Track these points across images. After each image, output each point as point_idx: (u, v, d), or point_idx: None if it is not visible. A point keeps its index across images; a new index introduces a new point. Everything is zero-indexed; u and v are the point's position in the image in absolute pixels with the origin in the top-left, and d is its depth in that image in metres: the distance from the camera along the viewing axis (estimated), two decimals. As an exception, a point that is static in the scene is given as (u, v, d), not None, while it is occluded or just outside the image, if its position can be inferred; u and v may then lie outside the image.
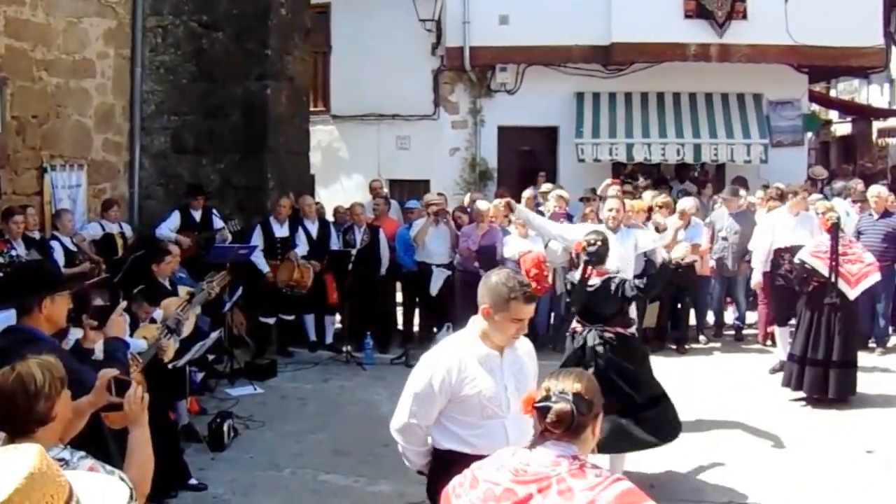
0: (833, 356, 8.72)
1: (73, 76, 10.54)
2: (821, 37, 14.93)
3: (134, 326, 6.93)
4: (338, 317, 11.82)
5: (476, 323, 4.12)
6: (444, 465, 3.99)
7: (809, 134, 18.96)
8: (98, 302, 6.69)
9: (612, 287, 6.69)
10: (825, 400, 8.78)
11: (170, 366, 7.13)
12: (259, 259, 10.71)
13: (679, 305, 11.60)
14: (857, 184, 12.84)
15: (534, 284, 10.27)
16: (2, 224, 8.83)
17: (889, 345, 10.98)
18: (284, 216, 11.08)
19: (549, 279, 10.72)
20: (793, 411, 8.77)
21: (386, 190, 13.76)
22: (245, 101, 11.66)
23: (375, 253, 11.36)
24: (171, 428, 7.10)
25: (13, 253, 8.54)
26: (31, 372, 2.92)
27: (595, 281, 6.78)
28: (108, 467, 2.89)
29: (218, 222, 10.95)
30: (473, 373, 4.03)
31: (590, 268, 6.75)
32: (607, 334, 6.75)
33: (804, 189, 10.96)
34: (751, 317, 12.08)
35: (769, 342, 11.08)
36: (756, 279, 10.61)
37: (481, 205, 11.30)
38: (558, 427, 2.94)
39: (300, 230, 11.18)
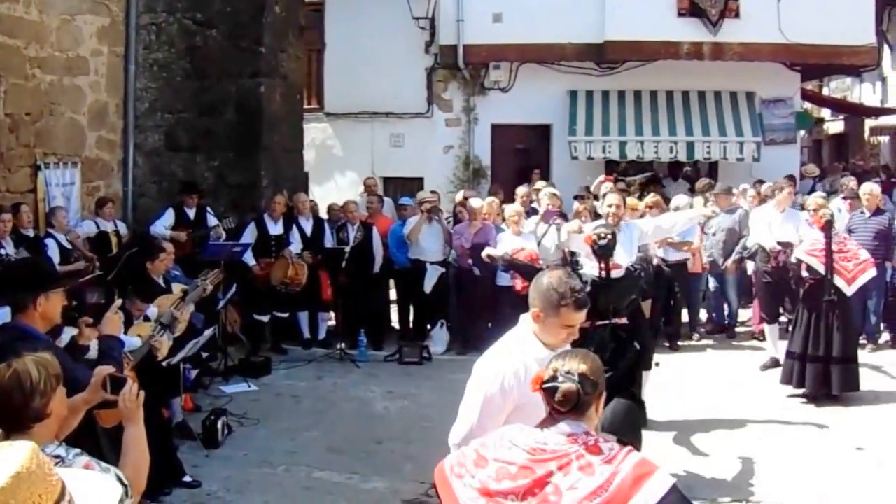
0: (834, 352, 8.77)
1: (67, 73, 10.52)
2: (813, 35, 14.97)
3: (128, 324, 6.93)
4: (332, 314, 11.83)
5: (528, 322, 3.96)
6: None
7: (802, 132, 19.00)
8: (93, 300, 6.71)
9: (636, 275, 6.72)
10: (828, 396, 8.82)
11: (164, 363, 7.15)
12: (246, 255, 10.72)
13: (672, 302, 11.63)
14: (850, 181, 12.88)
15: (525, 282, 10.42)
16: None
17: (880, 342, 11.03)
18: (279, 213, 11.09)
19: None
20: (784, 408, 8.80)
21: (381, 187, 13.76)
22: (239, 98, 11.66)
23: (369, 250, 11.38)
24: (165, 425, 7.12)
25: (1, 252, 8.51)
26: (27, 369, 2.94)
27: (617, 273, 6.84)
28: (104, 464, 2.91)
29: (212, 220, 10.96)
30: (526, 382, 3.74)
31: (605, 261, 6.81)
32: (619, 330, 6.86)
33: (790, 184, 11.03)
34: (743, 314, 12.12)
35: (762, 337, 11.11)
36: (729, 261, 10.88)
37: (474, 202, 11.32)
38: (565, 406, 3.08)
39: (294, 228, 11.19)
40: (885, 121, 21.15)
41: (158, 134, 11.83)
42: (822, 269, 8.77)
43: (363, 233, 11.38)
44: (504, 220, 11.16)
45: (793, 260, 9.19)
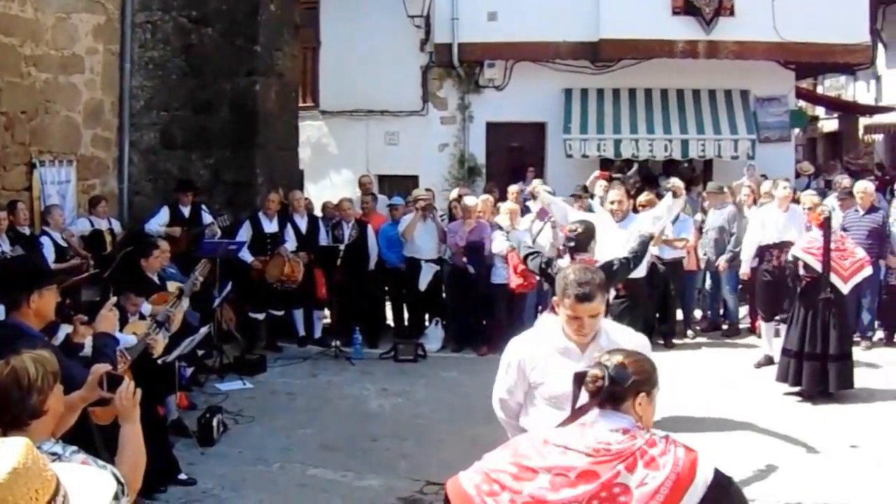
0: (830, 350, 8.78)
1: (62, 72, 10.52)
2: (808, 33, 15.03)
3: (123, 322, 6.94)
4: (327, 312, 11.85)
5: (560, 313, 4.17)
6: None
7: (796, 130, 19.06)
8: (87, 297, 6.71)
9: (613, 270, 6.72)
10: (823, 394, 8.84)
11: (159, 361, 7.16)
12: (243, 252, 10.73)
13: (667, 300, 11.65)
14: (843, 178, 12.91)
15: (520, 280, 10.46)
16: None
17: (874, 339, 11.06)
18: (273, 211, 11.10)
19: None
20: (779, 405, 8.82)
21: (376, 186, 13.77)
22: (234, 96, 11.66)
23: (364, 248, 11.39)
24: (160, 423, 7.13)
25: (-2, 250, 8.53)
26: (24, 366, 2.94)
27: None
28: (101, 462, 2.92)
29: (207, 217, 10.94)
30: (546, 364, 4.12)
31: (573, 254, 6.78)
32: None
33: (787, 182, 11.04)
34: (741, 312, 12.15)
35: (758, 334, 11.10)
36: (745, 268, 10.63)
37: (468, 200, 11.34)
38: (590, 388, 3.11)
39: (289, 225, 11.20)
40: (879, 119, 21.18)
41: (154, 132, 11.83)
42: (818, 267, 8.79)
43: (358, 231, 11.40)
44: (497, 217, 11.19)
45: (789, 258, 9.21)
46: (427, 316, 11.77)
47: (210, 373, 9.88)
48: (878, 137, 22.63)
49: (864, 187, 11.08)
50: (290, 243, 11.06)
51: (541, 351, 4.16)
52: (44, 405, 2.97)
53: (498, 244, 10.74)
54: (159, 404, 7.43)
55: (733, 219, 11.36)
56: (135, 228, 11.03)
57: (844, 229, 10.52)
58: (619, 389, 3.09)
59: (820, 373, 8.81)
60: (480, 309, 11.08)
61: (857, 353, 10.26)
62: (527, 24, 15.53)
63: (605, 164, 15.73)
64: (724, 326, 11.92)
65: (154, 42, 11.75)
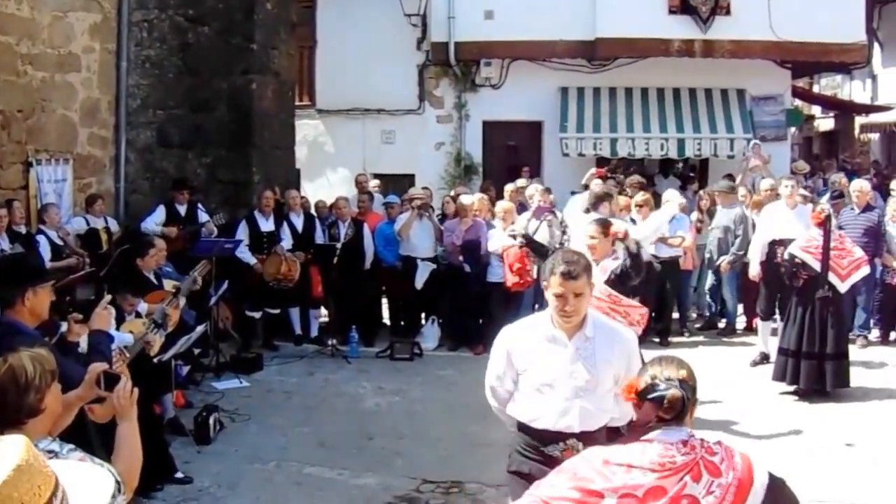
0: (827, 349, 8.79)
1: (59, 70, 10.52)
2: (804, 33, 15.06)
3: (120, 320, 6.94)
4: (323, 310, 11.85)
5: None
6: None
7: (793, 129, 19.09)
8: (83, 296, 6.71)
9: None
10: (819, 392, 8.85)
11: (155, 360, 7.16)
12: (244, 253, 10.73)
13: (663, 298, 11.65)
14: (839, 177, 12.91)
15: (516, 278, 10.47)
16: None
17: (870, 338, 11.06)
18: (270, 210, 11.09)
19: (533, 273, 10.76)
20: (776, 404, 8.85)
21: (373, 183, 13.76)
22: (231, 95, 11.66)
23: (360, 247, 11.39)
24: (156, 422, 7.13)
25: (-4, 248, 8.53)
26: (22, 364, 2.94)
27: None
28: (98, 460, 2.92)
29: (203, 216, 10.95)
30: (532, 352, 4.18)
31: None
32: None
33: (792, 180, 11.02)
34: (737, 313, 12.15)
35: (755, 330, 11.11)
36: (754, 270, 10.52)
37: (465, 199, 11.34)
38: (670, 413, 3.06)
39: (285, 224, 11.20)
40: (875, 118, 21.21)
41: (150, 130, 11.83)
42: (816, 266, 8.80)
43: (354, 229, 11.40)
44: (494, 216, 11.18)
45: (786, 256, 9.21)
46: (423, 315, 11.77)
47: (206, 371, 9.87)
48: (874, 136, 22.65)
49: (860, 186, 11.09)
50: (287, 242, 11.04)
51: (530, 339, 4.22)
52: (41, 403, 2.97)
53: (495, 242, 10.73)
54: (156, 403, 7.43)
55: (740, 221, 11.30)
56: (131, 227, 11.03)
57: (840, 227, 10.54)
58: (689, 405, 3.11)
59: (817, 371, 8.83)
60: (476, 307, 11.09)
61: (853, 351, 10.28)
62: (523, 23, 15.53)
63: (602, 162, 15.78)
64: (721, 325, 11.92)
65: (150, 41, 11.75)
